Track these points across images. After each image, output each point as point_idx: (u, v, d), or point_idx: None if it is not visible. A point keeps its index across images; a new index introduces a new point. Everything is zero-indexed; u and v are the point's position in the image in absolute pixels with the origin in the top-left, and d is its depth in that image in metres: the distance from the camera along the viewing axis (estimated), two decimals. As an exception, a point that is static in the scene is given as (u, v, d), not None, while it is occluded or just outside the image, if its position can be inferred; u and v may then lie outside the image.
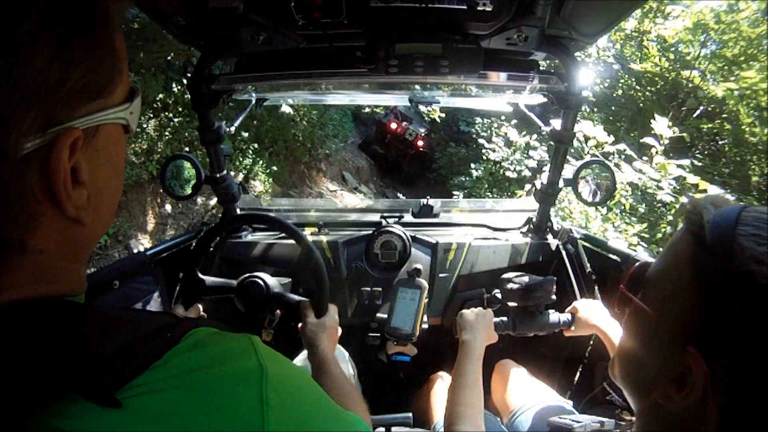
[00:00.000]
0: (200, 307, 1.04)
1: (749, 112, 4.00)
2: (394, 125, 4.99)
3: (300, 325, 0.96)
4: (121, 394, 0.29)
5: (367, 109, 5.75)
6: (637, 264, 0.49)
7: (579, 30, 0.91)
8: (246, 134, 4.15)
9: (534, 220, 1.42)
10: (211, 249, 1.33)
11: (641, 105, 4.91)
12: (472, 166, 4.86)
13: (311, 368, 0.87)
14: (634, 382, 0.46)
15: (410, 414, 1.07)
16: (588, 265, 1.28)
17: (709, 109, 4.46)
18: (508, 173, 4.56)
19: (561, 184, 1.26)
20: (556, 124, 1.16)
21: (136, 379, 0.30)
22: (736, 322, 0.34)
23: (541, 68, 1.08)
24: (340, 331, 1.00)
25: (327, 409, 0.41)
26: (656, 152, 2.66)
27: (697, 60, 4.53)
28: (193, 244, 1.28)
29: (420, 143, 5.07)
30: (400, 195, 5.28)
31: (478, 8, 0.81)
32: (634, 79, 5.05)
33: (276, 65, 1.04)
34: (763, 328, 0.33)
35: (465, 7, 0.81)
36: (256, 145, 4.31)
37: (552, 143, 1.23)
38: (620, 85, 5.24)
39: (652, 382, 0.41)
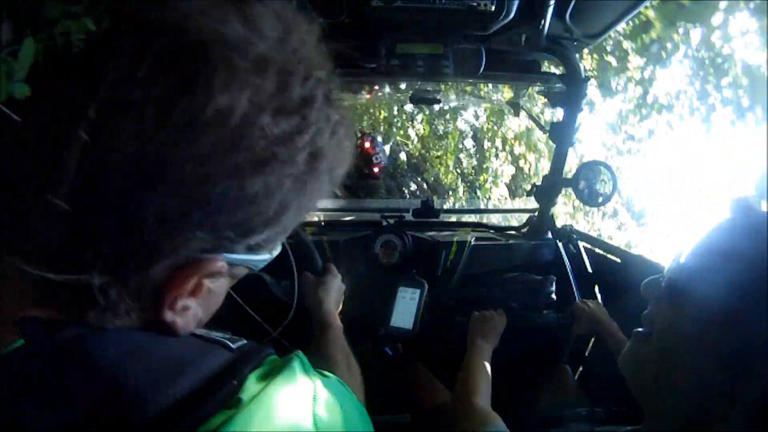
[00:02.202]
0: None
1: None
2: (367, 144, 5.53)
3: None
4: None
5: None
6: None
7: (580, 31, 0.91)
8: None
9: (534, 220, 1.42)
10: None
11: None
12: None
13: (315, 336, 0.80)
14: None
15: (408, 416, 1.08)
16: (588, 265, 1.28)
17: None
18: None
19: (561, 184, 1.26)
20: (557, 123, 1.17)
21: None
22: None
23: (541, 69, 1.08)
24: (341, 289, 0.92)
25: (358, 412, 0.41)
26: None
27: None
28: None
29: (376, 170, 5.68)
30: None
31: (480, 8, 0.81)
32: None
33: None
34: None
35: (466, 7, 0.81)
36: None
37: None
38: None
39: None
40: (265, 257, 0.36)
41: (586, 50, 3.33)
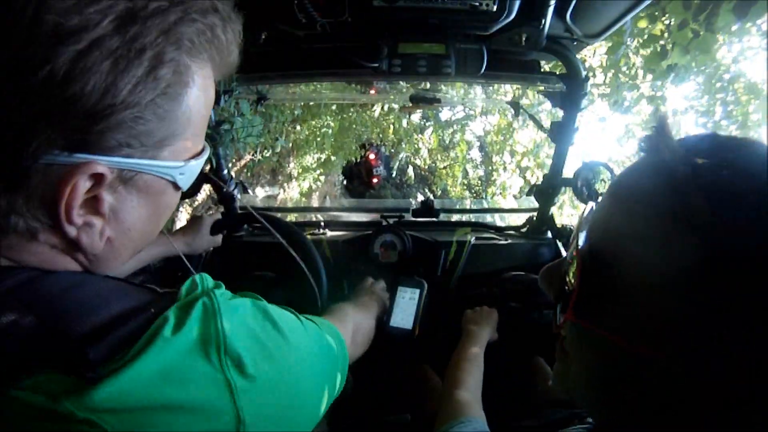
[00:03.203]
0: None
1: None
2: (372, 156, 5.96)
3: None
4: (105, 368, 0.32)
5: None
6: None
7: (580, 31, 0.92)
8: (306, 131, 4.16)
9: (534, 219, 1.42)
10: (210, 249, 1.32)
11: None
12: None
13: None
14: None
15: (408, 416, 1.08)
16: None
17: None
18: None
19: (561, 184, 1.27)
20: (557, 123, 1.17)
21: (123, 353, 0.32)
22: None
23: (542, 68, 1.09)
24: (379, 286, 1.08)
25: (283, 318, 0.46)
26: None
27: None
28: None
29: (375, 180, 6.19)
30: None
31: (481, 8, 0.81)
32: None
33: (277, 65, 1.04)
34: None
35: (468, 7, 0.81)
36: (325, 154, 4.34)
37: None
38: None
39: None
40: (167, 164, 0.37)
41: (599, 67, 3.37)
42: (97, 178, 0.33)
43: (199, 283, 0.40)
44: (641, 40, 2.64)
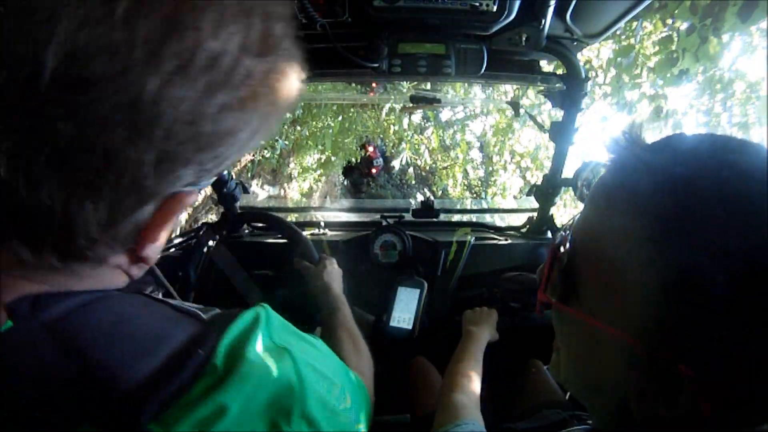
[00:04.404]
0: None
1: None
2: (371, 149, 6.28)
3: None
4: (158, 420, 0.29)
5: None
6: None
7: (580, 31, 0.92)
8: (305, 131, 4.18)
9: (534, 220, 1.42)
10: (211, 248, 1.32)
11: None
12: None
13: (323, 319, 0.81)
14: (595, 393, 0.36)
15: (408, 416, 1.08)
16: None
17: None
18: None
19: (561, 184, 1.26)
20: (557, 123, 1.17)
21: (172, 408, 0.30)
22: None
23: (542, 68, 1.09)
24: (341, 274, 0.96)
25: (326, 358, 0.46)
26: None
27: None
28: (193, 243, 1.27)
29: (374, 170, 6.54)
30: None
31: (481, 8, 0.81)
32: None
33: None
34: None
35: (468, 7, 0.81)
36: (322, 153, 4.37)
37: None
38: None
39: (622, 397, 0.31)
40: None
41: (599, 67, 3.36)
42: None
43: (263, 320, 0.38)
44: (650, 45, 2.64)
